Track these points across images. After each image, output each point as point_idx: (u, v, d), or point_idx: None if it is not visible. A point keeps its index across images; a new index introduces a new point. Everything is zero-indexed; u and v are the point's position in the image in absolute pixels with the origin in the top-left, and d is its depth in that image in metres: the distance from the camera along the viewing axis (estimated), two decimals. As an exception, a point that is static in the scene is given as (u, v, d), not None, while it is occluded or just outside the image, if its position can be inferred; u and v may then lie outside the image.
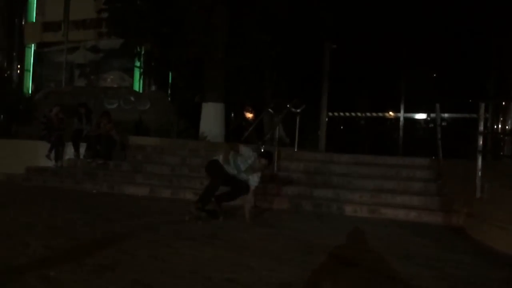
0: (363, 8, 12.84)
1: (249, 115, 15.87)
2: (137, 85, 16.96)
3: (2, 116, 14.15)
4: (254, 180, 5.45)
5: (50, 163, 9.51)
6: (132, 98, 13.01)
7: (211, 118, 11.83)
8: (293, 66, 13.51)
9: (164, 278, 3.10)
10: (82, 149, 9.61)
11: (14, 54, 18.94)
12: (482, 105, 5.77)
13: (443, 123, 10.49)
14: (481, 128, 5.70)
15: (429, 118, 13.92)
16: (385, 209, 6.28)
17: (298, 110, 9.44)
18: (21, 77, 19.04)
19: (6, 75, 16.79)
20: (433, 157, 7.99)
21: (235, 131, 13.02)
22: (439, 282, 3.35)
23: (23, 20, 19.24)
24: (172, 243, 4.14)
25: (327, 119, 14.81)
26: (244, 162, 5.40)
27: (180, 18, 11.92)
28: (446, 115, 12.79)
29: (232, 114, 15.24)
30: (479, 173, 5.50)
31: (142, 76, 15.69)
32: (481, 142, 5.65)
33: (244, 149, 5.48)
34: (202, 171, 6.61)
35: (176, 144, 10.51)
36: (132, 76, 17.27)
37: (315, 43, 13.60)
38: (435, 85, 13.78)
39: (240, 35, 12.25)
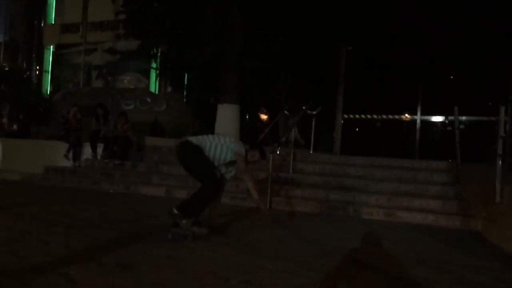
0: (380, 9, 12.76)
1: (264, 117, 15.89)
2: (153, 86, 17.13)
3: (21, 116, 14.42)
4: (231, 172, 4.59)
5: (68, 163, 9.66)
6: (149, 99, 13.15)
7: (227, 120, 11.84)
8: (309, 68, 13.48)
9: (183, 279, 3.13)
10: (100, 150, 9.75)
11: (33, 55, 19.32)
12: (502, 108, 5.69)
13: (461, 126, 10.37)
14: (501, 131, 5.63)
15: (447, 121, 13.77)
16: (402, 212, 6.24)
17: (314, 112, 9.42)
18: (40, 78, 19.40)
19: (25, 76, 17.10)
20: (450, 160, 7.91)
21: (250, 133, 13.04)
22: (457, 287, 3.31)
23: (42, 22, 19.58)
24: (189, 244, 4.17)
25: (342, 121, 14.75)
26: (228, 153, 4.38)
27: (196, 20, 11.98)
28: (464, 117, 12.64)
29: (247, 116, 15.27)
30: (499, 177, 5.43)
31: (158, 78, 15.83)
32: (501, 146, 5.57)
33: (239, 145, 4.47)
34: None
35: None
36: (148, 77, 17.45)
37: (330, 45, 13.56)
38: (453, 88, 13.62)
39: (256, 36, 12.25)
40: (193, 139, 4.42)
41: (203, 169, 4.34)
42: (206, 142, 4.35)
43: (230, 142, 4.41)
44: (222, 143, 4.36)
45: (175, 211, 4.22)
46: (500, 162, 5.48)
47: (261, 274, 3.33)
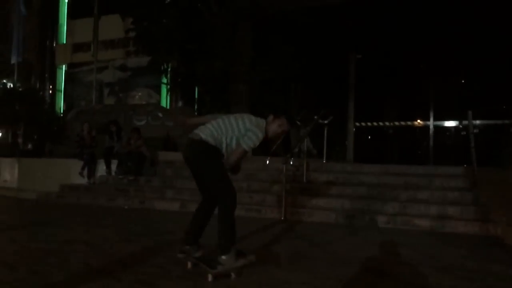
0: (389, 16, 12.75)
1: (275, 127, 15.86)
2: (164, 101, 17.27)
3: (36, 135, 14.61)
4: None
5: (83, 180, 9.73)
6: (160, 114, 13.22)
7: (238, 132, 11.88)
8: (319, 77, 13.50)
9: (201, 293, 3.12)
10: (114, 166, 9.81)
11: (46, 75, 19.69)
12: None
13: (475, 130, 10.26)
14: (517, 134, 5.55)
15: (461, 126, 13.64)
16: (419, 219, 6.15)
17: (326, 121, 9.39)
18: (53, 97, 19.72)
19: (38, 95, 17.34)
20: (466, 165, 7.81)
21: (262, 144, 13.02)
22: (481, 295, 3.25)
23: (54, 42, 19.96)
24: (206, 258, 4.15)
25: (354, 129, 14.68)
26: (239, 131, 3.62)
27: (205, 34, 12.12)
28: (477, 121, 12.49)
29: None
30: (517, 180, 5.35)
31: (169, 92, 15.97)
32: (517, 149, 5.49)
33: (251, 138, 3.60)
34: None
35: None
36: (159, 92, 17.63)
37: (340, 54, 13.58)
38: (465, 92, 13.51)
39: (264, 48, 12.34)
40: (209, 138, 3.55)
41: (221, 179, 3.61)
42: (222, 139, 3.57)
43: (246, 130, 3.59)
44: (236, 135, 3.59)
45: (187, 247, 3.75)
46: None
47: (281, 286, 3.30)
